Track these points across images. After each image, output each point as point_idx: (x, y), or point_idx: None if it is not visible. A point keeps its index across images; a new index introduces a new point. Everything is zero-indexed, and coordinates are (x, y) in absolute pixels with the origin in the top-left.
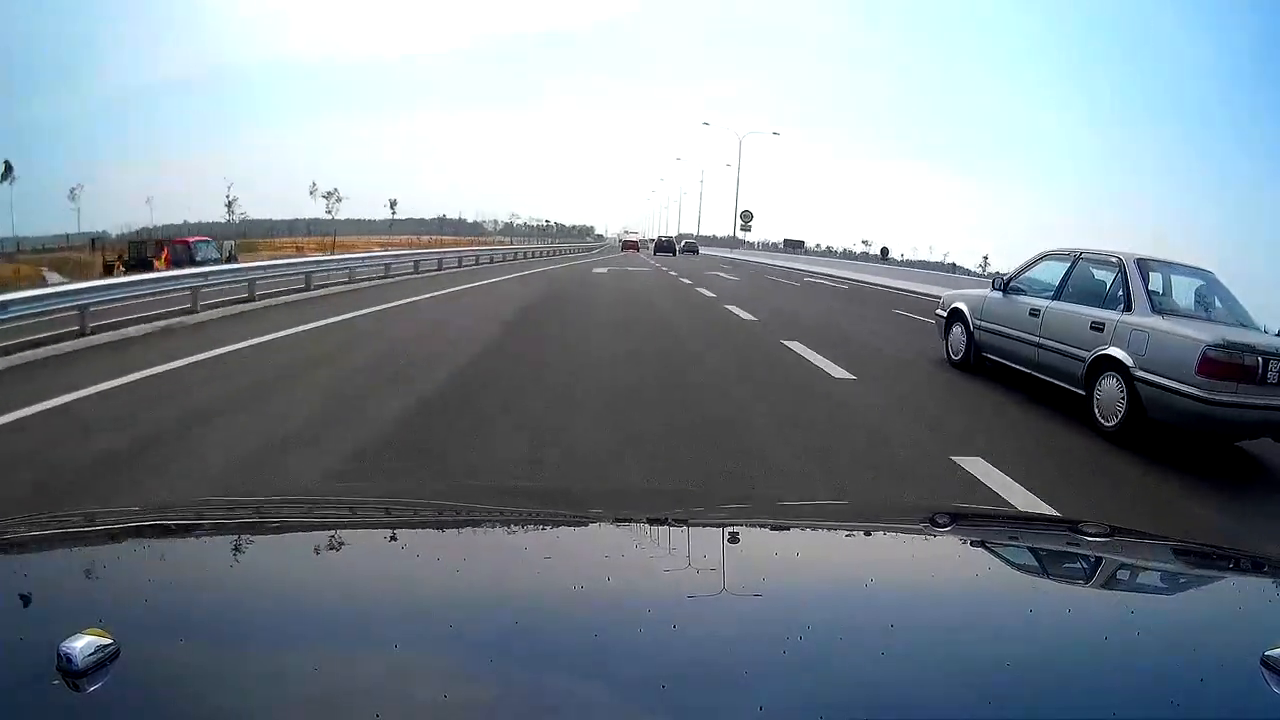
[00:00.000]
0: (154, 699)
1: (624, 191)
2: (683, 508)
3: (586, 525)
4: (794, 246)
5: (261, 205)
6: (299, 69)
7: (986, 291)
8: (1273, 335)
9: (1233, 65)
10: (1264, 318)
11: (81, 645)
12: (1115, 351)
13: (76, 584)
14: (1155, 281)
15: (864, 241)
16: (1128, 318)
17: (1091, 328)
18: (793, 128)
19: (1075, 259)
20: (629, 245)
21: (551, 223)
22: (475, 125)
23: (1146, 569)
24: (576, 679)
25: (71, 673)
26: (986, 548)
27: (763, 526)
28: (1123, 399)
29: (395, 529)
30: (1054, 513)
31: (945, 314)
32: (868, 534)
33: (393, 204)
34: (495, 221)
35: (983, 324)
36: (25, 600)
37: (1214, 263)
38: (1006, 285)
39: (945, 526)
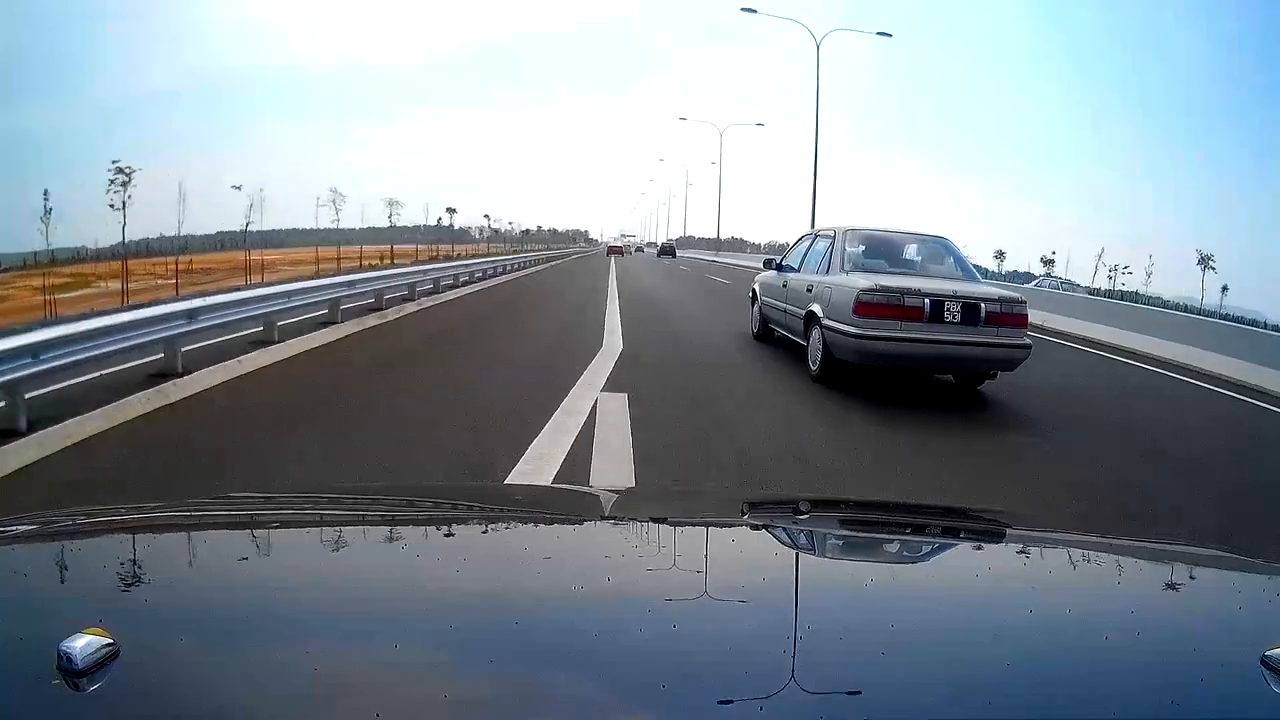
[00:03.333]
0: (154, 699)
1: (617, 195)
2: (683, 509)
3: (586, 525)
4: None
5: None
6: (288, 72)
7: (769, 271)
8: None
9: (1234, 64)
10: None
11: (82, 645)
12: (814, 306)
13: (77, 584)
14: (868, 248)
15: (998, 254)
16: (825, 278)
17: (807, 290)
18: (784, 125)
19: (815, 236)
20: (614, 249)
21: (545, 228)
22: (466, 129)
23: (1146, 568)
24: (576, 679)
25: (72, 672)
26: (986, 549)
27: (764, 527)
28: (820, 345)
29: (395, 529)
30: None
31: (750, 295)
32: (868, 533)
33: (336, 210)
34: (482, 229)
35: (763, 299)
36: (25, 600)
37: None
38: (779, 264)
39: (940, 524)
